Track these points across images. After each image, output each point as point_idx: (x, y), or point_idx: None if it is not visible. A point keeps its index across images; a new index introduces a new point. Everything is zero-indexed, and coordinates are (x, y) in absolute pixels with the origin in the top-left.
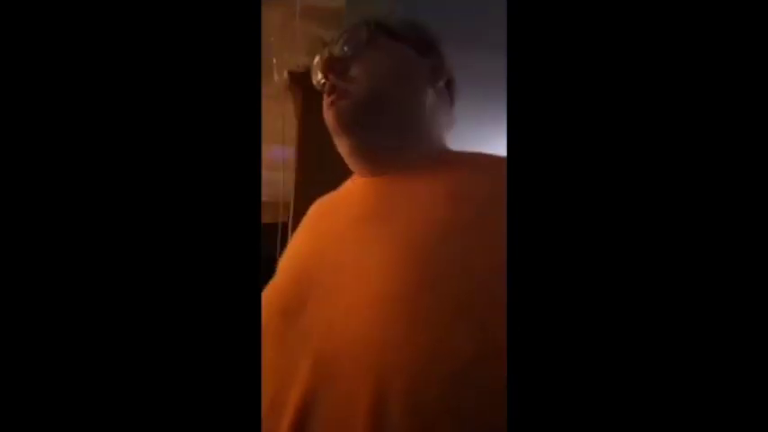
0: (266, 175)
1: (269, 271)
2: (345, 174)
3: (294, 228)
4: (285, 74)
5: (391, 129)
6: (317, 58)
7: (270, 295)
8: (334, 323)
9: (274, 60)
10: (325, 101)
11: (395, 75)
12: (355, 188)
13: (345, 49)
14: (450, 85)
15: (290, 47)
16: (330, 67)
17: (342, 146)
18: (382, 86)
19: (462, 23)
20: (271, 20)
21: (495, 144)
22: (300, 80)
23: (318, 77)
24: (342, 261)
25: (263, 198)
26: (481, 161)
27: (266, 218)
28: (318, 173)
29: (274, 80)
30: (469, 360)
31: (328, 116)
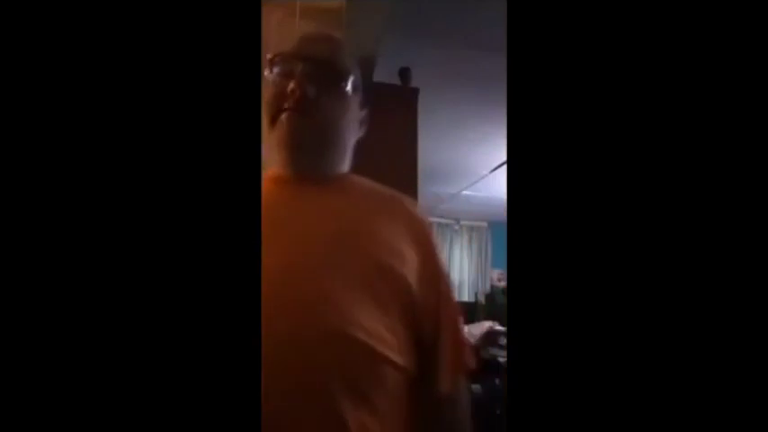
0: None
1: None
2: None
3: None
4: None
5: (325, 160)
6: (300, 67)
7: None
8: None
9: None
10: (288, 110)
11: (346, 120)
12: (267, 184)
13: (323, 78)
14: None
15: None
16: (304, 87)
17: (276, 151)
18: (337, 126)
19: (462, 23)
20: (271, 20)
21: (496, 144)
22: None
23: (291, 86)
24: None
25: None
26: (370, 189)
27: None
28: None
29: None
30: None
31: (282, 127)
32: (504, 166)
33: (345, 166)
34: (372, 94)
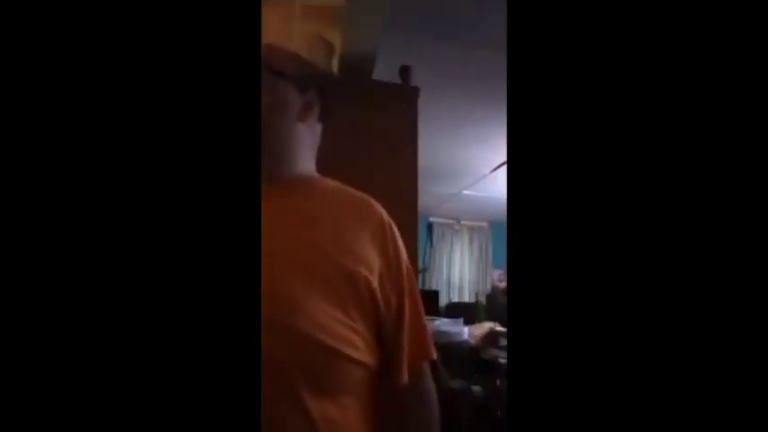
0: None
1: None
2: (344, 172)
3: None
4: None
5: (266, 149)
6: None
7: None
8: None
9: None
10: None
11: (271, 106)
12: None
13: None
14: (323, 119)
15: (290, 46)
16: None
17: None
18: (263, 113)
19: (463, 23)
20: (271, 20)
21: (496, 144)
22: None
23: None
24: None
25: None
26: (334, 191)
27: None
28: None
29: None
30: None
31: None
32: (504, 166)
33: (303, 162)
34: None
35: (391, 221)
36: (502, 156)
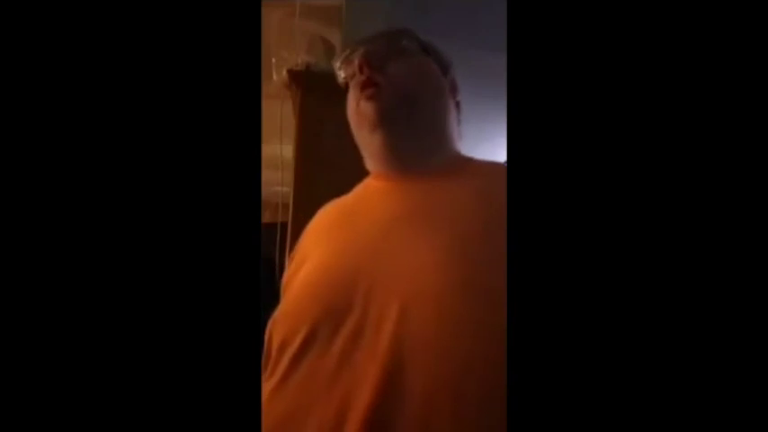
0: (265, 174)
1: (267, 271)
2: (344, 172)
3: (294, 228)
4: (284, 72)
5: (422, 129)
6: (346, 53)
7: (303, 305)
8: (390, 322)
9: (273, 60)
10: (362, 94)
11: (427, 82)
12: (376, 191)
13: (385, 47)
14: (458, 105)
15: (290, 46)
16: (368, 61)
17: (371, 141)
18: (418, 89)
19: (462, 23)
20: (271, 20)
21: (496, 144)
22: (300, 78)
23: (349, 72)
24: (388, 261)
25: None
26: (498, 169)
27: (265, 217)
28: (317, 172)
29: (273, 79)
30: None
31: (367, 108)
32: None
33: (456, 143)
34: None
35: None
36: (502, 156)
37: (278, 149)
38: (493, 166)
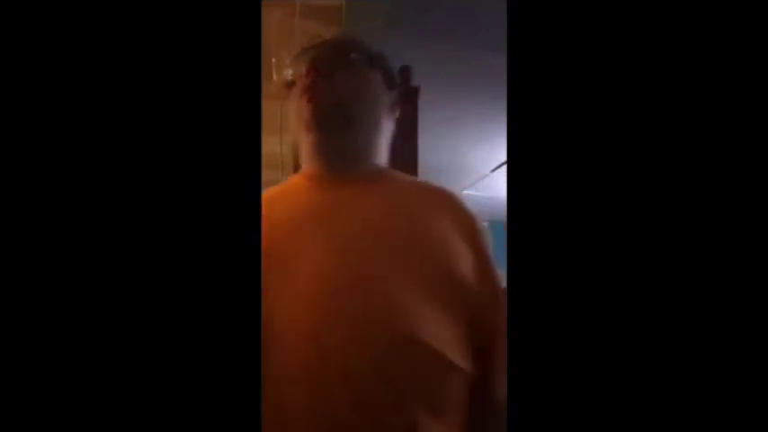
0: (265, 174)
1: None
2: None
3: None
4: (285, 72)
5: (352, 138)
6: (299, 53)
7: None
8: (281, 311)
9: (273, 60)
10: (304, 96)
11: (366, 95)
12: (296, 188)
13: (334, 56)
14: (400, 121)
15: (290, 46)
16: (315, 67)
17: (304, 140)
18: (355, 101)
19: (463, 22)
20: (271, 20)
21: (496, 144)
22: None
23: (296, 73)
24: (288, 256)
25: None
26: (408, 182)
27: None
28: None
29: (273, 79)
30: (384, 348)
31: (306, 110)
32: (505, 166)
33: (382, 156)
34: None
35: (477, 215)
36: (502, 156)
37: (278, 149)
38: (405, 178)
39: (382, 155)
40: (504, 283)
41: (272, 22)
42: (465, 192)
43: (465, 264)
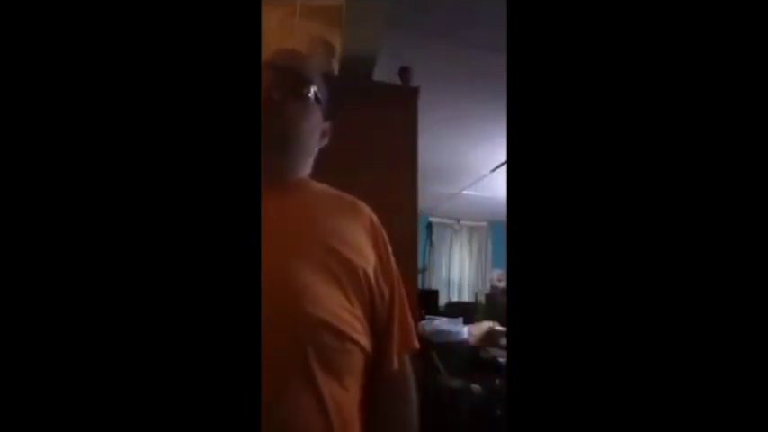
0: None
1: None
2: (344, 172)
3: None
4: None
5: (289, 158)
6: (268, 75)
7: None
8: None
9: None
10: (264, 108)
11: (309, 124)
12: None
13: (288, 86)
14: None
15: (290, 46)
16: (278, 88)
17: None
18: (299, 128)
19: (462, 23)
20: (271, 20)
21: (496, 144)
22: None
23: (264, 82)
24: None
25: None
26: (328, 194)
27: None
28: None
29: None
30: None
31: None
32: (504, 166)
33: (306, 171)
34: (338, 108)
35: (377, 220)
36: (502, 156)
37: None
38: (322, 188)
39: (306, 167)
40: (400, 281)
41: (272, 22)
42: (465, 192)
43: (368, 261)
